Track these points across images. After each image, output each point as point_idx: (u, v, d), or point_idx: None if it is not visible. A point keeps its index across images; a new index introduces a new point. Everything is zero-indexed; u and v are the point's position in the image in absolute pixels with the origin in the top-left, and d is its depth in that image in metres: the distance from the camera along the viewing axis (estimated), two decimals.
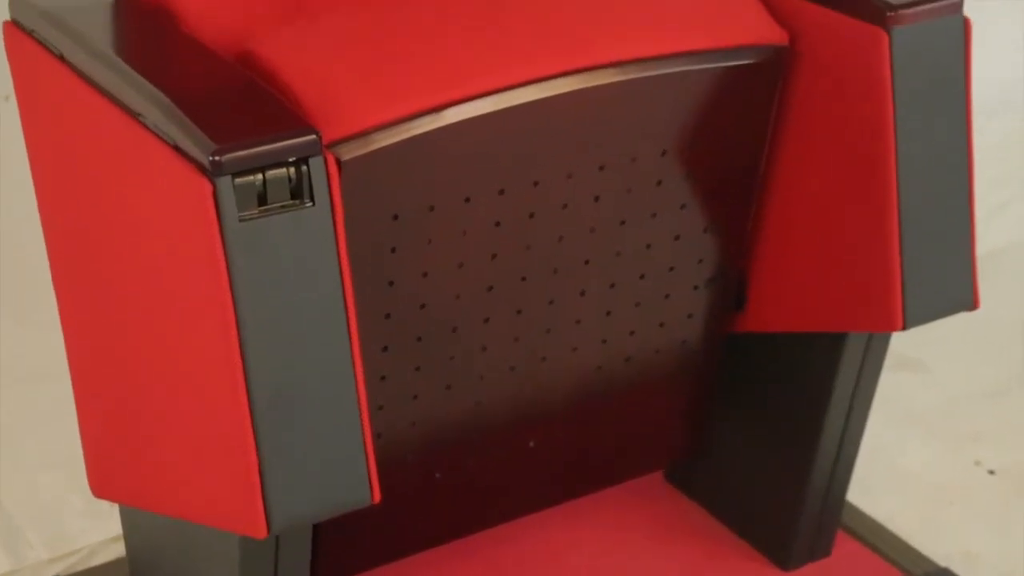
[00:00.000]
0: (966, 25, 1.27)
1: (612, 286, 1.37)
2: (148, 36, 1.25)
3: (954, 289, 1.34)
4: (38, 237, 1.37)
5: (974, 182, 1.32)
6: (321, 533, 1.29)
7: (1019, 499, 1.73)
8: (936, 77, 1.27)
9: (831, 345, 1.41)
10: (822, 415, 1.45)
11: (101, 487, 1.36)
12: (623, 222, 1.34)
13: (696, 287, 1.42)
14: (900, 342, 1.57)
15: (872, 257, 1.30)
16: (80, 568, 1.60)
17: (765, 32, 1.30)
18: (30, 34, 1.25)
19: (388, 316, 1.26)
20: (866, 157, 1.28)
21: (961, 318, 1.39)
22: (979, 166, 1.34)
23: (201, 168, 1.04)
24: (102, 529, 1.62)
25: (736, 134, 1.35)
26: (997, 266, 2.10)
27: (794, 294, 1.41)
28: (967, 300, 1.35)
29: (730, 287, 1.44)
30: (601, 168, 1.29)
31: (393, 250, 1.23)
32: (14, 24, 1.28)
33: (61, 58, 1.21)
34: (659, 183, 1.33)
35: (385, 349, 1.27)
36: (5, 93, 1.39)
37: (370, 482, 1.12)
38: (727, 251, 1.41)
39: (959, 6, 1.27)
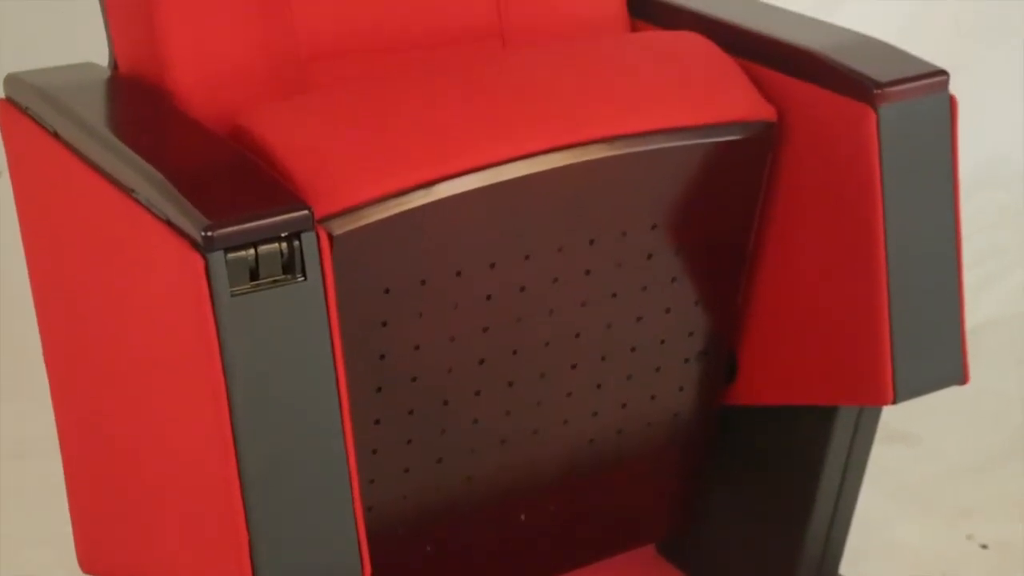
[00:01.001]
0: (952, 103, 1.29)
1: (603, 359, 1.37)
2: (141, 113, 1.26)
3: (944, 363, 1.34)
4: (28, 310, 1.37)
5: (962, 256, 1.33)
6: None
7: (1012, 574, 1.72)
8: (923, 153, 1.28)
9: (822, 417, 1.41)
10: (814, 488, 1.44)
11: (89, 562, 1.35)
12: (614, 295, 1.34)
13: (687, 360, 1.42)
14: (891, 414, 1.57)
15: (862, 330, 1.31)
16: None
17: (753, 108, 1.31)
18: (24, 111, 1.26)
19: (379, 389, 1.26)
20: (854, 232, 1.29)
21: (953, 391, 1.39)
22: (967, 239, 1.35)
23: (193, 243, 1.04)
24: None
25: (726, 208, 1.35)
26: (988, 338, 2.11)
27: (785, 367, 1.41)
28: (957, 374, 1.35)
29: (721, 359, 1.45)
30: (591, 242, 1.30)
31: (384, 324, 1.23)
32: (8, 101, 1.30)
33: (55, 135, 1.22)
34: (649, 257, 1.34)
35: (376, 422, 1.27)
36: None
37: (361, 556, 1.12)
38: (718, 324, 1.41)
39: (945, 84, 1.28)
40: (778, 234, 1.38)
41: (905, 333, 1.30)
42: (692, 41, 1.36)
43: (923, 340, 1.31)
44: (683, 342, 1.41)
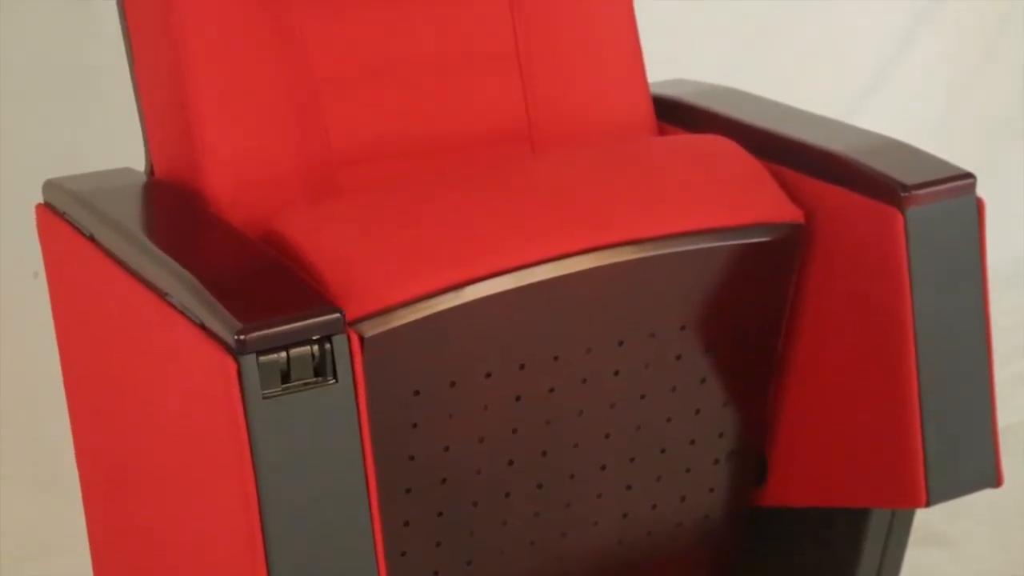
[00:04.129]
0: (980, 205, 1.29)
1: (632, 460, 1.37)
2: (176, 217, 1.28)
3: (978, 465, 1.33)
4: (59, 409, 1.38)
5: (993, 357, 1.33)
6: None
7: None
8: (952, 255, 1.28)
9: (855, 520, 1.40)
10: None
11: None
12: (643, 396, 1.34)
13: (717, 461, 1.41)
14: (924, 516, 1.55)
15: (893, 433, 1.30)
16: None
17: (780, 210, 1.32)
18: (62, 216, 1.29)
19: (409, 491, 1.26)
20: (884, 334, 1.29)
21: (987, 491, 1.37)
22: (1000, 336, 1.35)
23: (226, 346, 1.05)
24: None
25: (754, 309, 1.36)
26: (1021, 439, 2.09)
27: (816, 468, 1.40)
28: (991, 476, 1.34)
29: (751, 461, 1.44)
30: (620, 343, 1.30)
31: (415, 425, 1.23)
32: (47, 207, 1.32)
33: (91, 239, 1.24)
34: (678, 357, 1.34)
35: (406, 524, 1.27)
36: (35, 270, 1.43)
37: None
38: (747, 425, 1.41)
39: (972, 187, 1.29)
40: (808, 335, 1.38)
41: (937, 435, 1.29)
42: (719, 144, 1.37)
43: (956, 442, 1.31)
44: (713, 443, 1.40)
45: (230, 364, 1.05)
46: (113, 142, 1.55)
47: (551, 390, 1.29)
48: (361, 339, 1.14)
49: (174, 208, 1.29)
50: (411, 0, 1.37)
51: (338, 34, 1.34)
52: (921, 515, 1.45)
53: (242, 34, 1.29)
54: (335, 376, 1.07)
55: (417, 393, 1.22)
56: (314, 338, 1.07)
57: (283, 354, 1.06)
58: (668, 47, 1.66)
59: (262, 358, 1.05)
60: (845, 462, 1.36)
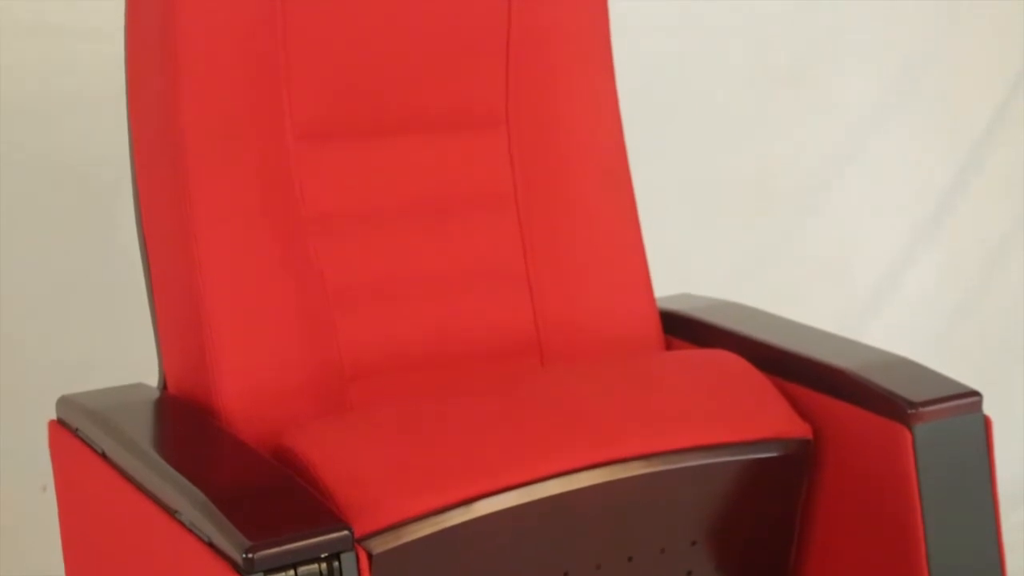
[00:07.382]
0: (987, 423, 1.30)
1: None
2: (188, 433, 1.29)
3: None
4: None
5: (1007, 572, 1.31)
6: None
7: None
8: (961, 471, 1.28)
9: None
10: None
11: None
12: None
13: None
14: None
15: None
16: None
17: (789, 426, 1.32)
18: (75, 432, 1.29)
19: None
20: (895, 550, 1.28)
21: None
22: (1009, 553, 1.34)
23: (234, 565, 1.05)
24: None
25: (764, 523, 1.35)
26: None
27: None
28: None
29: None
30: (630, 559, 1.29)
31: None
32: (59, 423, 1.33)
33: (103, 455, 1.24)
34: (689, 573, 1.32)
35: None
36: (43, 483, 1.43)
37: None
38: None
39: (978, 404, 1.29)
40: (819, 550, 1.36)
41: None
42: (727, 359, 1.38)
43: None
44: None
45: None
46: (127, 356, 1.57)
47: None
48: (369, 556, 1.13)
49: (185, 424, 1.30)
50: (424, 220, 1.40)
51: (351, 255, 1.37)
52: None
53: (256, 256, 1.32)
54: None
55: None
56: (322, 556, 1.06)
57: (291, 572, 1.05)
58: (674, 262, 1.69)
59: None
60: None
